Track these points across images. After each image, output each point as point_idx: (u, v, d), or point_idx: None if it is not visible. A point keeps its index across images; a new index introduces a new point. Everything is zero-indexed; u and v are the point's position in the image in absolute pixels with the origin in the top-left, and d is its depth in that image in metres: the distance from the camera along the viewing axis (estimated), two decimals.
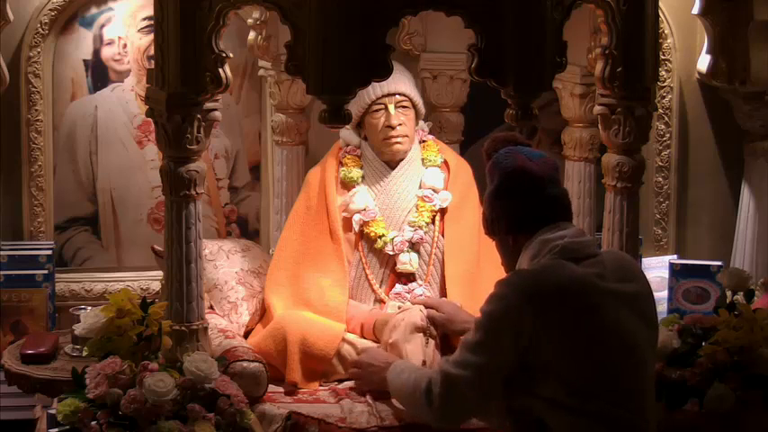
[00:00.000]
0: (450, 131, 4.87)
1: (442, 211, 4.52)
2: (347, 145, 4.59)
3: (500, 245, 3.56)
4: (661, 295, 4.94)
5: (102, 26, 4.93)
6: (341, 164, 4.56)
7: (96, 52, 4.94)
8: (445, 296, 4.47)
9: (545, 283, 3.29)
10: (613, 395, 3.26)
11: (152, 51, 4.44)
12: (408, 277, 4.47)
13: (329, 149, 4.63)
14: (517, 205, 3.45)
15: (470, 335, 3.39)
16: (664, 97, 5.12)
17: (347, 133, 4.58)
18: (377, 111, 4.48)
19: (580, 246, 3.38)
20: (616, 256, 3.58)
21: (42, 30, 4.82)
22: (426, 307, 4.29)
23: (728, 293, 4.12)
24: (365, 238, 4.48)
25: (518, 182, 3.46)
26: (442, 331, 4.30)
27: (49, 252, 4.81)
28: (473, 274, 4.44)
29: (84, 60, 4.93)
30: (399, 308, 4.38)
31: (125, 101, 4.97)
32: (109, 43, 4.94)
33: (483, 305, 3.39)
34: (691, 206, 5.24)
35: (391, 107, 4.46)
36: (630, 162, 4.06)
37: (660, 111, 5.08)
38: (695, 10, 4.90)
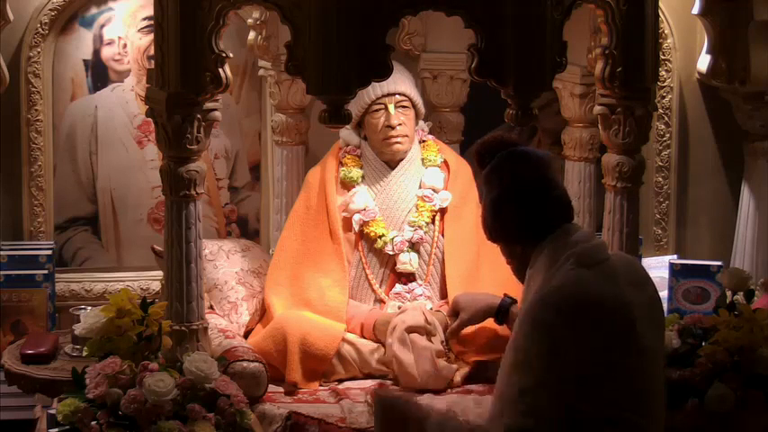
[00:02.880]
0: (450, 131, 4.87)
1: (442, 211, 4.52)
2: (347, 145, 4.59)
3: (507, 251, 3.42)
4: (661, 295, 4.92)
5: (102, 26, 4.92)
6: (341, 164, 4.56)
7: (96, 52, 4.94)
8: (446, 296, 4.47)
9: (582, 300, 3.12)
10: (631, 400, 3.19)
11: (152, 51, 4.44)
12: (408, 277, 4.48)
13: (329, 149, 4.63)
14: (526, 211, 3.31)
15: (520, 378, 3.10)
16: (664, 97, 5.12)
17: (347, 133, 4.58)
18: (377, 111, 4.48)
19: (594, 251, 3.27)
20: (625, 260, 3.44)
21: (42, 30, 4.82)
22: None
23: (728, 293, 4.11)
24: (365, 238, 4.48)
25: (526, 187, 3.32)
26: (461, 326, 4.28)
27: (49, 252, 4.81)
28: (473, 273, 4.44)
29: (84, 60, 4.93)
30: (399, 308, 4.38)
31: (125, 101, 4.97)
32: (109, 43, 4.94)
33: (520, 339, 3.12)
34: (691, 206, 5.24)
35: (391, 107, 4.46)
36: (630, 162, 4.06)
37: (660, 111, 5.08)
38: (695, 10, 4.89)
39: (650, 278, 3.44)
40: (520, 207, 3.31)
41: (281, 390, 4.23)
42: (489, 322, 4.32)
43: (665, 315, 4.35)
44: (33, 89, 4.85)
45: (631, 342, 3.16)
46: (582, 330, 3.09)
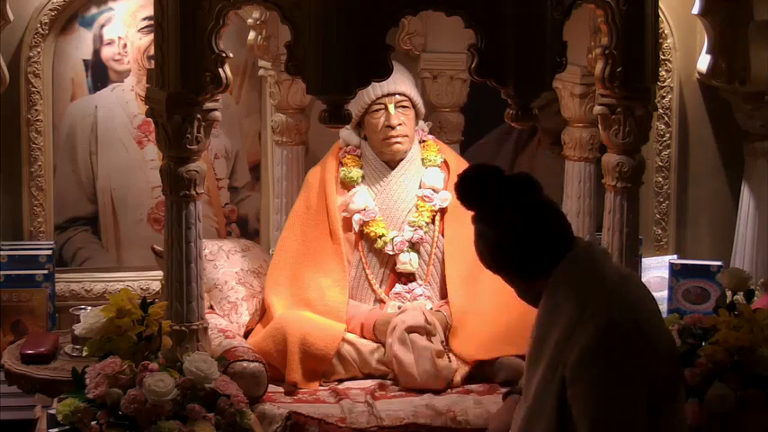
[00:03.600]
0: (450, 131, 4.87)
1: (442, 211, 4.52)
2: (347, 145, 4.59)
3: (509, 282, 3.20)
4: (661, 295, 4.93)
5: (102, 26, 4.92)
6: (341, 164, 4.56)
7: (96, 52, 4.94)
8: (445, 296, 4.47)
9: (630, 320, 2.97)
10: (665, 401, 3.10)
11: (152, 51, 4.44)
12: (408, 277, 4.48)
13: (329, 149, 4.63)
14: (532, 251, 3.06)
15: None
16: (664, 97, 5.11)
17: (347, 133, 4.59)
18: (377, 111, 4.49)
19: (606, 264, 3.10)
20: (625, 269, 3.36)
21: (42, 30, 4.82)
22: None
23: (728, 293, 4.11)
24: (365, 238, 4.48)
25: (527, 225, 3.05)
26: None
27: (49, 252, 4.81)
28: (473, 273, 4.43)
29: (84, 60, 4.93)
30: (399, 308, 4.38)
31: (125, 101, 4.97)
32: (109, 43, 4.93)
33: (586, 387, 2.93)
34: (691, 206, 5.24)
35: (391, 107, 4.47)
36: (630, 162, 4.06)
37: (660, 111, 5.08)
38: (695, 10, 4.89)
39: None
40: (524, 248, 3.06)
41: (281, 390, 4.23)
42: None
43: (666, 315, 4.37)
44: (33, 89, 4.85)
45: (665, 347, 3.05)
46: (640, 353, 2.95)
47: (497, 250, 3.10)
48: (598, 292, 3.00)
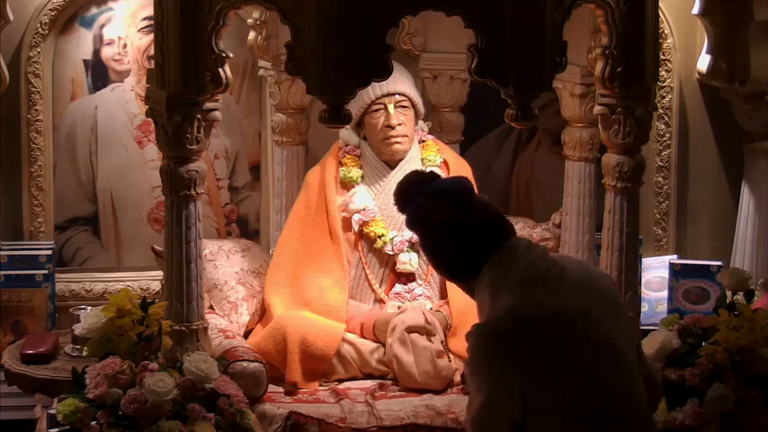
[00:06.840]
0: (450, 131, 4.87)
1: None
2: (347, 145, 4.59)
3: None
4: (661, 295, 4.94)
5: (102, 26, 4.92)
6: (340, 164, 4.57)
7: (96, 52, 4.94)
8: (445, 296, 4.47)
9: (516, 326, 3.05)
10: (606, 406, 3.11)
11: (152, 51, 4.44)
12: (408, 277, 4.48)
13: (329, 149, 4.63)
14: (451, 256, 3.20)
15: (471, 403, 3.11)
16: (664, 97, 5.11)
17: (347, 133, 4.58)
18: (376, 111, 4.49)
19: (529, 270, 3.13)
20: (572, 265, 3.26)
21: (42, 30, 4.82)
22: None
23: (728, 293, 4.11)
24: (365, 238, 4.48)
25: (441, 233, 3.21)
26: None
27: (49, 252, 4.81)
28: None
29: (84, 60, 4.93)
30: (399, 308, 4.38)
31: (125, 101, 4.97)
32: (109, 43, 4.94)
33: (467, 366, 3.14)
34: (691, 206, 5.24)
35: (391, 107, 4.47)
36: (630, 162, 4.06)
37: (660, 111, 5.08)
38: (695, 10, 4.89)
39: (601, 276, 3.33)
40: (443, 252, 3.22)
41: (281, 390, 4.24)
42: None
43: (666, 315, 4.37)
44: (33, 89, 4.85)
45: (589, 354, 3.06)
46: (520, 351, 3.03)
47: (425, 253, 3.30)
48: (509, 292, 3.09)
